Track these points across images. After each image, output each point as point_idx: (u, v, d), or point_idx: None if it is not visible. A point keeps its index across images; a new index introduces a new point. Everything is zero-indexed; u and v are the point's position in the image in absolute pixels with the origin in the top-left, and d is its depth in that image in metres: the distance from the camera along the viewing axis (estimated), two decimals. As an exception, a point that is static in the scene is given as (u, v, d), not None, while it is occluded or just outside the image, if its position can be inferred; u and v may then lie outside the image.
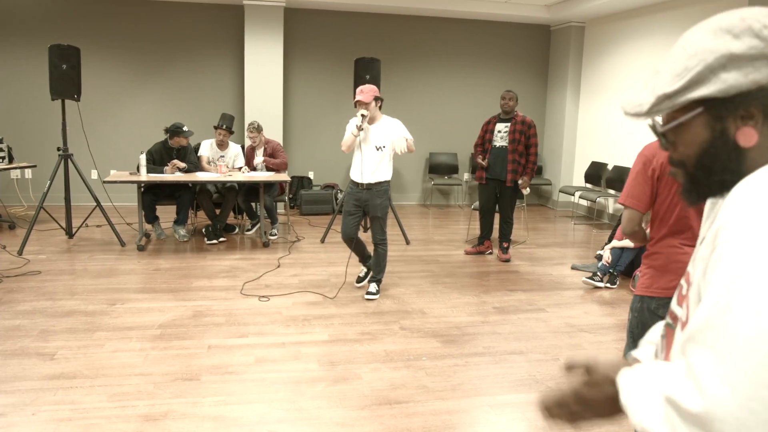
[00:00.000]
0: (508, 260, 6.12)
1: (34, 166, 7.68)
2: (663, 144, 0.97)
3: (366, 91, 4.60)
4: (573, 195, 8.67)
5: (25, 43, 8.28)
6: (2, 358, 3.52)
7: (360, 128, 4.59)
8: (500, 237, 6.20)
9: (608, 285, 5.30)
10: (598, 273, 5.33)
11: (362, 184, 4.73)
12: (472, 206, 6.89)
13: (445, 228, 7.80)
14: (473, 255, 6.35)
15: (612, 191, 8.06)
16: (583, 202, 9.02)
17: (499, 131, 6.00)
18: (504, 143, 5.94)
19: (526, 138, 5.87)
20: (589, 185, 8.67)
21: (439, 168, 9.50)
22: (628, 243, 5.29)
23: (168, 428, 2.81)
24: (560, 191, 8.99)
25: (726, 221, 0.81)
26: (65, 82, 6.09)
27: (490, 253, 6.40)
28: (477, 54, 9.48)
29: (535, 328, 4.27)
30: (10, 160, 7.13)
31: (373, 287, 4.88)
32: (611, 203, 8.36)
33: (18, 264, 5.52)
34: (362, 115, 4.59)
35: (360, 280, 5.15)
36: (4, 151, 6.98)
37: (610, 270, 5.32)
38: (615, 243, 5.40)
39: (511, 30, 9.50)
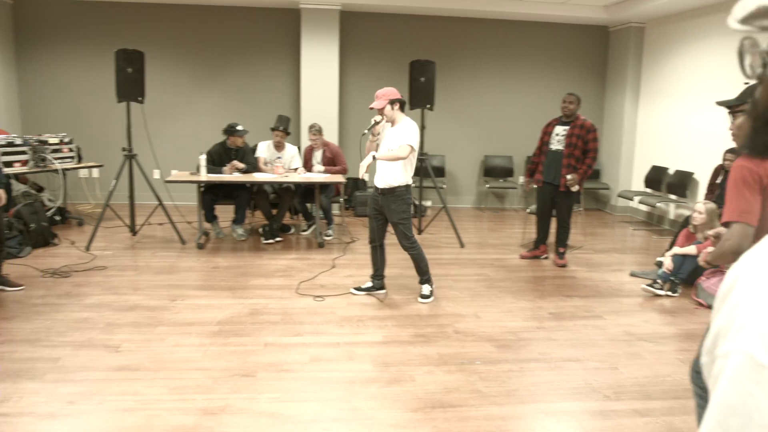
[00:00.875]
0: (564, 265, 6.02)
1: (101, 166, 7.98)
2: (747, 70, 0.77)
3: (380, 97, 4.55)
4: (632, 200, 8.47)
5: (94, 48, 8.62)
6: (72, 349, 3.68)
7: (374, 134, 4.63)
8: (557, 242, 6.11)
9: (669, 293, 5.15)
10: (659, 280, 5.19)
11: (378, 189, 4.67)
12: (528, 210, 6.81)
13: (500, 231, 7.73)
14: (529, 259, 6.27)
15: (673, 196, 7.84)
16: (643, 207, 8.79)
17: (557, 134, 5.90)
18: (560, 147, 5.85)
19: (584, 143, 5.75)
20: (649, 190, 8.45)
21: (495, 171, 9.42)
22: (690, 250, 5.13)
23: (225, 423, 2.88)
24: (619, 196, 8.79)
25: (727, 328, 0.64)
26: (130, 85, 6.31)
27: (546, 258, 6.31)
28: (533, 56, 9.36)
29: (592, 335, 4.19)
30: (79, 160, 7.42)
31: (425, 289, 4.85)
32: (672, 209, 8.12)
33: (86, 259, 5.75)
34: (375, 122, 4.60)
35: (359, 288, 4.98)
36: (73, 151, 7.28)
37: (671, 278, 5.17)
38: (677, 250, 5.25)
39: (568, 31, 9.35)
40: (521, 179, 9.55)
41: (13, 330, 3.97)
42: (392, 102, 4.55)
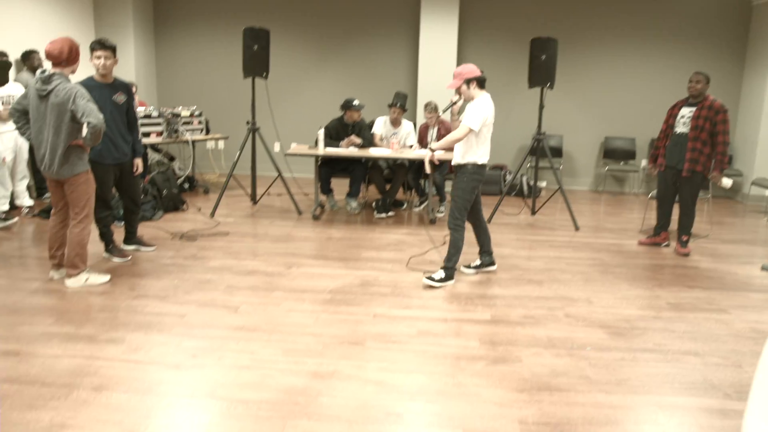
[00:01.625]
0: (686, 254, 5.70)
1: (227, 138, 8.41)
2: None
3: (456, 76, 4.42)
4: (768, 189, 7.84)
5: (223, 27, 9.05)
6: (196, 307, 3.94)
7: (454, 113, 4.66)
8: (679, 229, 5.78)
9: (806, 290, 4.75)
10: (794, 276, 4.80)
11: (453, 166, 4.64)
12: (650, 195, 6.48)
13: (618, 216, 7.42)
14: (647, 246, 5.99)
15: (817, 187, 7.17)
16: (781, 198, 8.11)
17: (683, 116, 5.57)
18: (685, 129, 5.51)
19: (712, 125, 5.38)
20: (789, 179, 7.78)
21: (615, 153, 9.02)
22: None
23: (333, 387, 2.99)
24: (752, 183, 8.16)
25: None
26: (256, 62, 6.57)
27: (667, 245, 5.99)
28: (661, 33, 8.82)
29: (714, 329, 3.95)
30: (207, 132, 7.86)
31: (438, 274, 4.59)
32: (815, 200, 7.43)
33: (210, 225, 6.12)
34: (452, 101, 4.59)
35: (469, 266, 4.91)
36: (202, 123, 7.71)
37: (810, 274, 4.76)
38: (817, 244, 4.82)
39: (702, 5, 8.71)
40: (643, 162, 9.09)
41: (145, 286, 4.31)
42: (468, 81, 4.41)
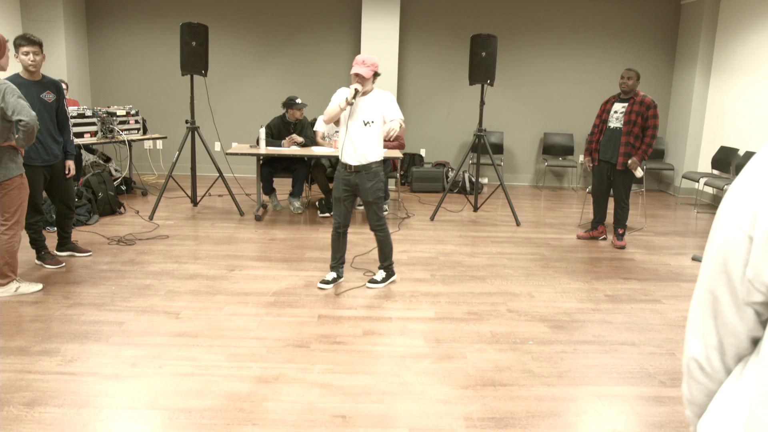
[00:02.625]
0: (623, 247, 5.88)
1: (165, 138, 8.19)
2: None
3: (368, 65, 4.11)
4: (697, 182, 8.16)
5: (160, 22, 8.81)
6: (135, 314, 3.83)
7: (350, 103, 4.15)
8: (615, 222, 5.96)
9: (733, 279, 4.96)
10: (723, 265, 5.00)
11: (350, 166, 4.27)
12: (587, 189, 6.65)
13: (558, 211, 7.60)
14: (586, 240, 6.15)
15: (743, 179, 7.49)
16: (708, 190, 8.47)
17: (616, 111, 5.74)
18: (618, 124, 5.69)
19: (643, 119, 5.57)
20: (716, 171, 8.12)
21: (554, 149, 9.23)
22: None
23: (279, 391, 2.95)
24: (683, 177, 8.49)
25: None
26: (194, 58, 6.43)
27: (604, 239, 6.17)
28: (598, 31, 9.07)
29: (649, 319, 4.10)
30: (144, 132, 7.64)
31: (379, 275, 4.56)
32: (741, 191, 7.76)
33: (149, 228, 5.96)
34: (356, 90, 4.11)
35: (325, 282, 4.48)
36: (139, 123, 7.50)
37: (737, 263, 4.97)
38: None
39: (635, 4, 9.00)
40: (581, 158, 9.33)
41: (81, 294, 4.17)
42: (375, 74, 4.18)
